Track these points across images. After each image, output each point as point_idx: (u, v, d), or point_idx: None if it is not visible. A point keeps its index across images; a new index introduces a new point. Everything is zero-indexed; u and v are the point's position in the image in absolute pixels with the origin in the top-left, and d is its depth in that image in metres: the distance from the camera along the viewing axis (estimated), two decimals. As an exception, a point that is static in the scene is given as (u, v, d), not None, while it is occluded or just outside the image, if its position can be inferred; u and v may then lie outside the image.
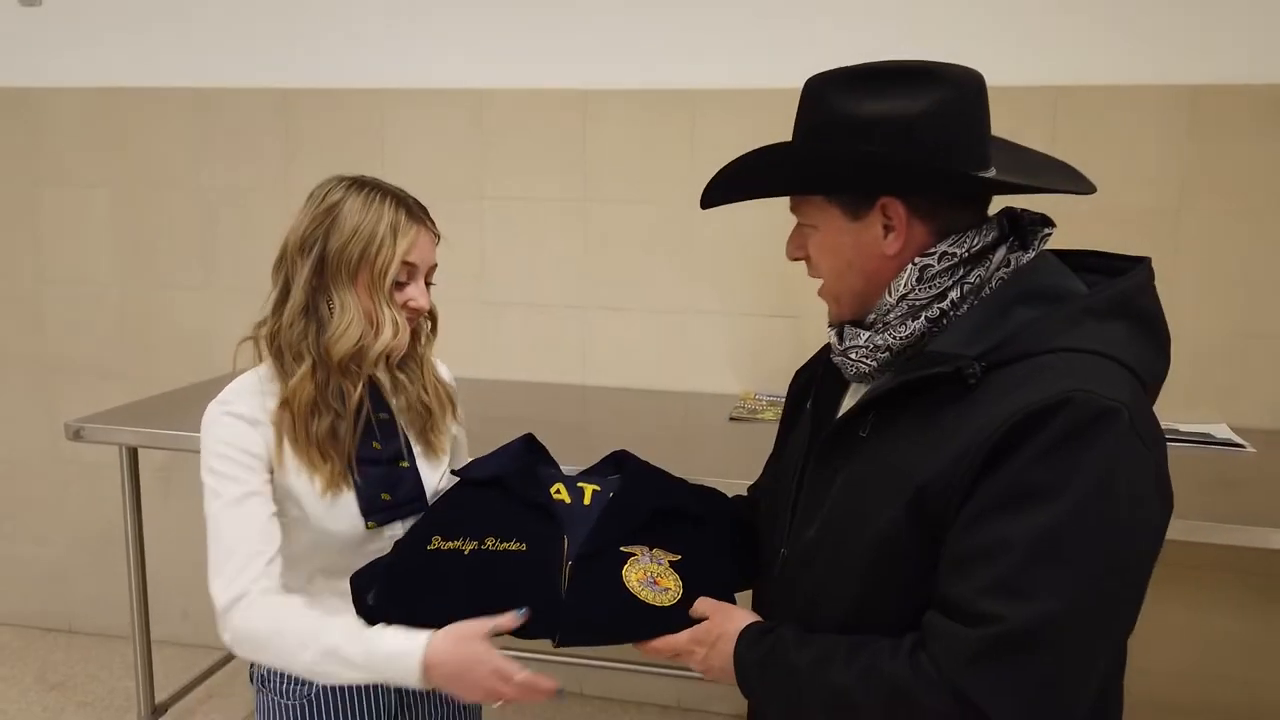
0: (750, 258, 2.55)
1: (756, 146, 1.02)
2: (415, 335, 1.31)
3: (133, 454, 2.29)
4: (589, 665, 2.73)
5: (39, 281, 3.03)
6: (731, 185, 1.07)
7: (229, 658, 2.83)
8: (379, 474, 1.26)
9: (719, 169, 1.07)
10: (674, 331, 2.64)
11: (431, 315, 1.33)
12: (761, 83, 2.45)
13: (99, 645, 3.12)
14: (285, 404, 1.22)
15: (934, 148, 0.94)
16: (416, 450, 1.33)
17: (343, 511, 1.24)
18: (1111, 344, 0.91)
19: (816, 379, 1.18)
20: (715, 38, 2.51)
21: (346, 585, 1.17)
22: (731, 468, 1.95)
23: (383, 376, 1.31)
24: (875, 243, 0.98)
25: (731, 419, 2.33)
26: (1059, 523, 0.84)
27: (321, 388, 1.22)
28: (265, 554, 1.16)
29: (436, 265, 1.31)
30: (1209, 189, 2.30)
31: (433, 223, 1.29)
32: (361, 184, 1.25)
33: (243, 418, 1.21)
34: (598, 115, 2.60)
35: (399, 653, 1.06)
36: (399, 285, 1.25)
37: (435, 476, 1.34)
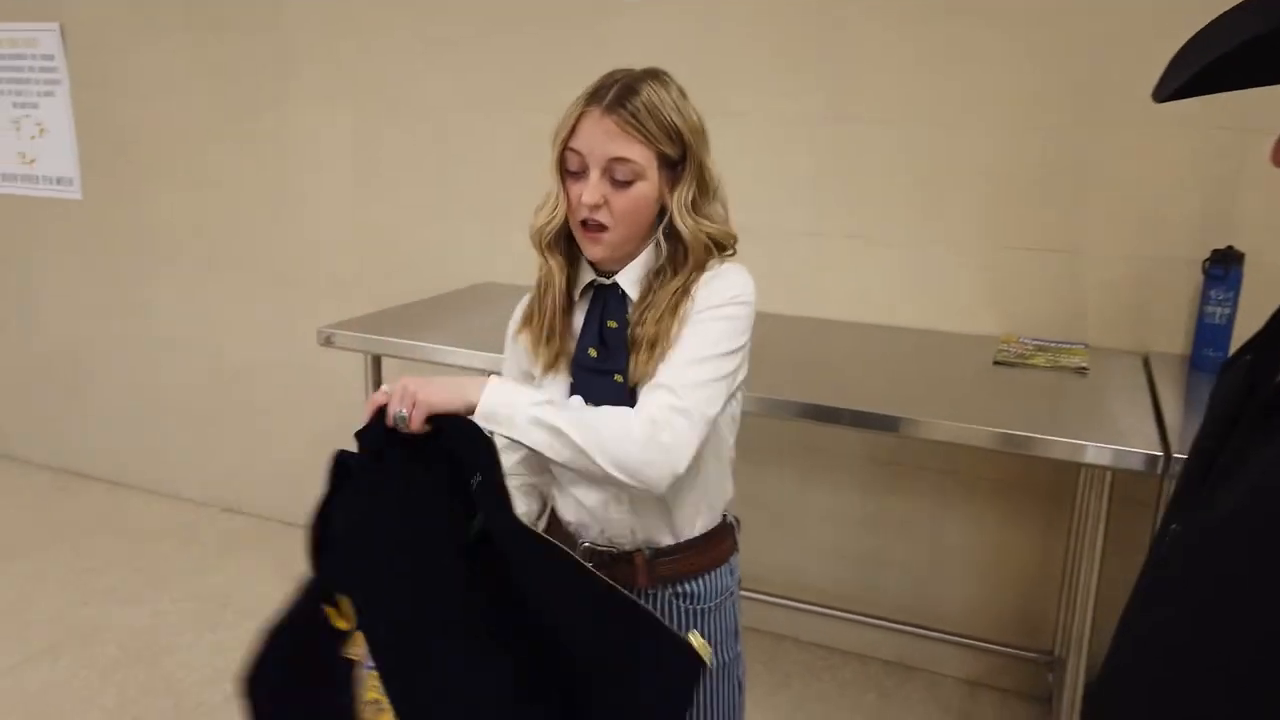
0: (1018, 182, 2.28)
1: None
2: (672, 257, 1.20)
3: (376, 361, 2.33)
4: (807, 611, 2.62)
5: (286, 196, 3.14)
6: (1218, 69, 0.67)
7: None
8: (595, 384, 1.19)
9: (1192, 39, 0.69)
10: (922, 264, 2.40)
11: (695, 233, 1.18)
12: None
13: (331, 542, 3.28)
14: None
15: None
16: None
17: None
18: None
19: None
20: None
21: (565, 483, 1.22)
22: (998, 416, 1.76)
23: (629, 287, 1.21)
24: None
25: (996, 363, 2.11)
26: None
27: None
28: None
29: (628, 160, 1.14)
30: None
31: (622, 108, 1.13)
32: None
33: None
34: (841, 23, 2.37)
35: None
36: (572, 175, 1.16)
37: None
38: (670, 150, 1.16)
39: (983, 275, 2.36)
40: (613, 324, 1.20)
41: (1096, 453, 1.62)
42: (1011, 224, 2.31)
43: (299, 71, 3.01)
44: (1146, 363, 2.15)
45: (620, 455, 1.07)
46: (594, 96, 1.14)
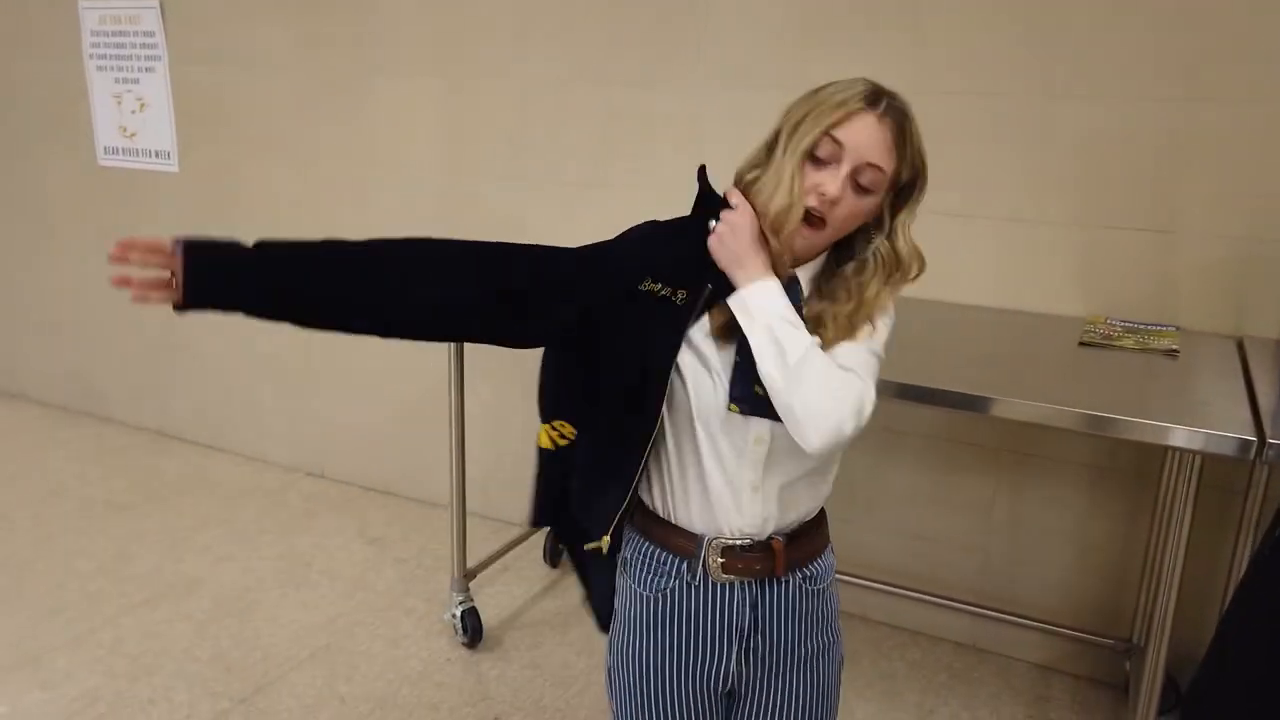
0: (1116, 159, 2.21)
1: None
2: (864, 260, 1.20)
3: (458, 333, 2.38)
4: (877, 589, 2.62)
5: (375, 167, 3.21)
6: None
7: (525, 535, 2.96)
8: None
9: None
10: (1010, 242, 2.36)
11: (913, 256, 1.21)
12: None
13: (412, 508, 3.38)
14: None
15: None
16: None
17: (716, 379, 1.17)
18: None
19: None
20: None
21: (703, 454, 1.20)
22: (1087, 397, 1.73)
23: (804, 276, 1.21)
24: None
25: (1081, 344, 2.07)
26: None
27: None
28: None
29: (881, 170, 1.14)
30: None
31: (894, 122, 1.14)
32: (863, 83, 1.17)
33: None
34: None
35: None
36: (816, 161, 1.13)
37: None
38: (907, 176, 1.18)
39: (1072, 254, 2.31)
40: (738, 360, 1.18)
41: (1188, 436, 1.59)
42: (1106, 202, 2.25)
43: (390, 44, 3.08)
44: (1241, 346, 2.08)
45: (810, 397, 1.10)
46: (872, 100, 1.14)
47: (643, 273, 1.18)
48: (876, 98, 1.14)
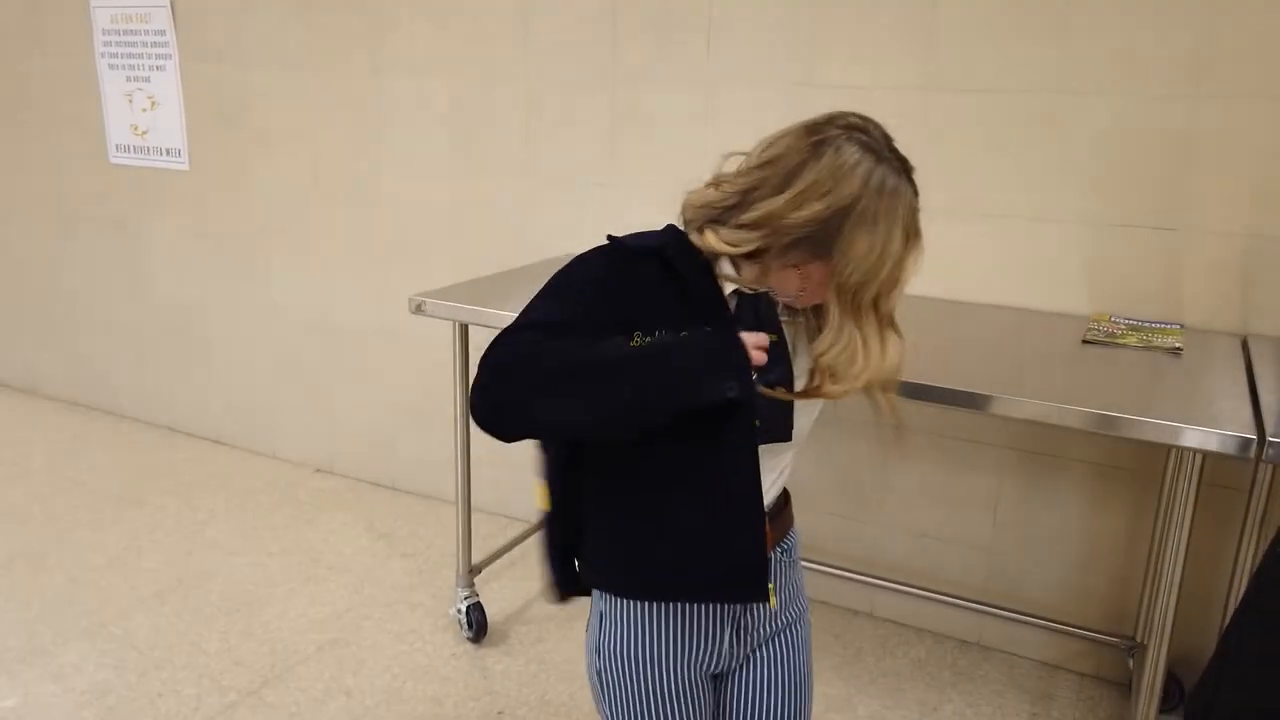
0: (1121, 156, 2.21)
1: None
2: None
3: (464, 330, 2.40)
4: (881, 586, 2.62)
5: (383, 165, 3.23)
6: None
7: (530, 531, 2.98)
8: (760, 401, 1.12)
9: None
10: (1013, 239, 2.36)
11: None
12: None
13: (419, 504, 3.40)
14: None
15: None
16: (800, 384, 1.20)
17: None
18: None
19: None
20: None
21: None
22: (1088, 395, 1.73)
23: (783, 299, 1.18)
24: None
25: (1085, 342, 2.07)
26: None
27: None
28: None
29: None
30: None
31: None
32: (875, 155, 1.08)
33: None
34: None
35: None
36: None
37: (808, 420, 1.23)
38: None
39: (1077, 251, 2.30)
40: (773, 337, 1.13)
41: (1186, 435, 1.59)
42: (1112, 199, 2.25)
43: (399, 43, 3.09)
44: (1245, 345, 2.08)
45: None
46: (918, 228, 1.12)
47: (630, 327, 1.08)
48: (916, 226, 1.10)
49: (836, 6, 2.44)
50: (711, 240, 1.12)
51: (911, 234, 1.09)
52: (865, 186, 1.06)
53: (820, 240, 1.07)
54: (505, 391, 1.03)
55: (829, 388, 1.15)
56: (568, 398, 1.01)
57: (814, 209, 1.06)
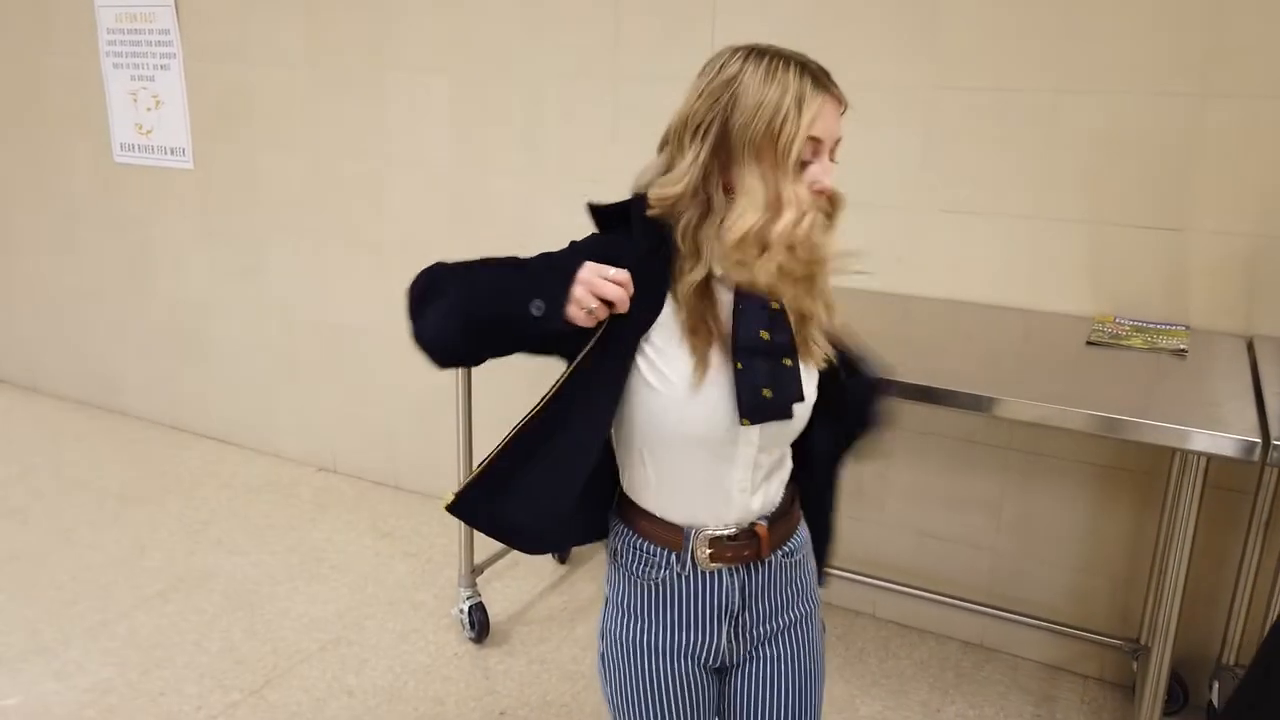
0: (1126, 156, 2.20)
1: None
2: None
3: (466, 330, 2.39)
4: (884, 587, 2.62)
5: (386, 162, 3.23)
6: None
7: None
8: (764, 368, 1.15)
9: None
10: (1017, 240, 2.35)
11: (832, 199, 1.16)
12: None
13: (421, 503, 3.40)
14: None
15: None
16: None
17: (711, 398, 1.15)
18: None
19: None
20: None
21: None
22: (1092, 397, 1.73)
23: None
24: None
25: (1089, 343, 2.06)
26: None
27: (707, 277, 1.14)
28: None
29: (841, 139, 1.15)
30: None
31: (838, 89, 1.14)
32: (760, 53, 1.12)
33: None
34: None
35: None
36: (803, 164, 1.11)
37: (810, 384, 1.22)
38: None
39: (1081, 252, 2.29)
40: (775, 304, 1.15)
41: (1193, 439, 1.58)
42: (1116, 199, 2.24)
43: (402, 40, 3.09)
44: (1250, 346, 2.07)
45: None
46: (823, 82, 1.13)
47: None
48: (821, 76, 1.13)
49: (839, 6, 2.43)
50: (655, 201, 1.15)
51: (807, 83, 1.11)
52: (744, 64, 1.12)
53: (720, 140, 1.11)
54: (415, 299, 1.19)
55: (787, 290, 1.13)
56: (450, 297, 1.14)
57: (703, 101, 1.14)
